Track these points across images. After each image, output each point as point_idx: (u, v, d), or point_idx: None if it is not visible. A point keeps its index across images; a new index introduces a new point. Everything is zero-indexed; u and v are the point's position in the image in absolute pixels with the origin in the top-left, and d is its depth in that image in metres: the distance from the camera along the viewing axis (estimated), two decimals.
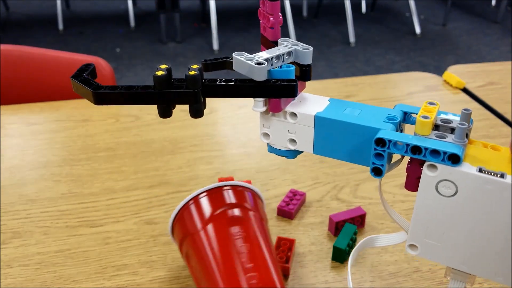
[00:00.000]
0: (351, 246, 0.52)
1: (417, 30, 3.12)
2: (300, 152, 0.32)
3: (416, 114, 0.29)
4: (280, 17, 0.30)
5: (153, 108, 0.81)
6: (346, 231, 0.52)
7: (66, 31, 3.09)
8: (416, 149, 0.25)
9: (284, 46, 0.30)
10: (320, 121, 0.29)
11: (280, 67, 0.29)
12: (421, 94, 0.87)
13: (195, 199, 0.46)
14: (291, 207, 0.57)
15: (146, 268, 0.50)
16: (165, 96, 0.28)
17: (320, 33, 3.16)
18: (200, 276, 0.42)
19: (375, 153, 0.27)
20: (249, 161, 0.67)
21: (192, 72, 0.28)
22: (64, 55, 0.97)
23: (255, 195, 0.48)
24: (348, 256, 0.51)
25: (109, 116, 0.79)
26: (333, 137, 0.29)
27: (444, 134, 0.26)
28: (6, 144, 0.71)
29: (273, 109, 0.29)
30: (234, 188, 0.47)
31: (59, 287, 0.48)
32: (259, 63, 0.27)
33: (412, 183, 0.27)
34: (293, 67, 0.29)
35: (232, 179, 0.61)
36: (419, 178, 0.26)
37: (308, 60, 0.29)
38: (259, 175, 0.65)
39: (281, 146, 0.31)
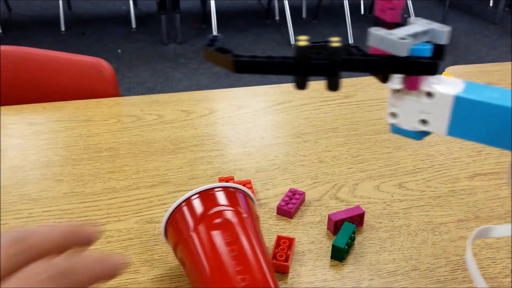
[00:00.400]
0: (349, 245, 0.52)
1: None
2: (427, 134, 0.31)
3: None
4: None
5: (154, 108, 0.81)
6: (345, 230, 0.52)
7: (68, 32, 3.10)
8: None
9: (419, 24, 0.29)
10: (460, 102, 0.28)
11: (417, 45, 0.28)
12: None
13: (187, 201, 0.46)
14: (290, 206, 0.57)
15: (147, 266, 0.51)
16: (306, 67, 0.27)
17: (319, 34, 3.16)
18: (194, 280, 0.42)
19: None
20: (249, 160, 0.68)
21: (335, 44, 0.27)
22: (65, 56, 0.98)
23: (246, 196, 0.49)
24: (347, 254, 0.52)
25: (111, 116, 0.79)
26: (472, 118, 0.28)
27: None
28: (7, 144, 0.72)
29: (411, 86, 0.29)
30: (225, 189, 0.47)
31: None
32: (402, 38, 0.27)
33: None
34: (430, 46, 0.28)
35: (232, 179, 0.62)
36: None
37: (444, 39, 0.29)
38: (259, 174, 0.65)
39: (410, 127, 0.30)
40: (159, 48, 2.91)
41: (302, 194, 0.59)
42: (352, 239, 0.53)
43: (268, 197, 0.61)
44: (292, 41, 2.97)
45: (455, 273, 0.50)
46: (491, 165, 0.68)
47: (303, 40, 0.27)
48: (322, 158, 0.69)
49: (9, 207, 0.59)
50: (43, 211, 0.59)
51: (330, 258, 0.52)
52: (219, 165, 0.67)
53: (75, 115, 0.80)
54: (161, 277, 0.50)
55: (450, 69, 0.96)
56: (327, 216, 0.57)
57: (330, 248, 0.53)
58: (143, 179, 0.64)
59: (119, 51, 2.84)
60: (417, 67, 0.27)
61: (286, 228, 0.56)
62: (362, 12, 3.50)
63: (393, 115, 0.31)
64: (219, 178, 0.62)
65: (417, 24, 0.30)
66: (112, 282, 0.49)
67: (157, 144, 0.72)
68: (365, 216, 0.57)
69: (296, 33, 3.03)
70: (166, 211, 0.59)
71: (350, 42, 2.97)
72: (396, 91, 0.30)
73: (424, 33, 0.29)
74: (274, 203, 0.60)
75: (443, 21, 3.32)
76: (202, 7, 3.31)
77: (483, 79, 0.93)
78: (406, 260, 0.52)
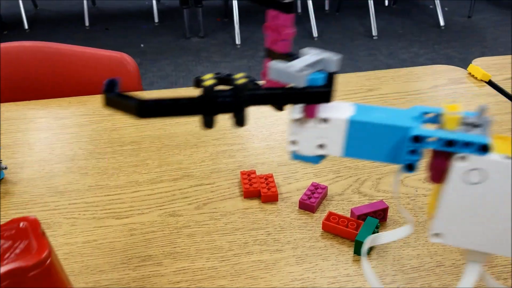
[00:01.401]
0: None
1: (441, 22, 3.06)
2: (324, 157, 0.33)
3: (434, 113, 0.31)
4: (294, 29, 0.32)
5: None
6: (368, 224, 0.52)
7: (92, 28, 3.14)
8: (451, 143, 0.27)
9: (311, 55, 0.31)
10: (353, 125, 0.30)
11: (311, 75, 0.30)
12: (445, 87, 0.85)
13: None
14: (312, 201, 0.57)
15: (170, 259, 0.51)
16: (211, 107, 0.28)
17: (342, 26, 3.13)
18: None
19: (409, 150, 0.29)
20: (271, 154, 0.68)
21: (240, 81, 0.29)
22: (90, 51, 0.99)
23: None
24: (370, 250, 0.51)
25: None
26: (365, 139, 0.30)
27: (469, 128, 0.28)
28: (35, 137, 0.74)
29: (309, 114, 0.31)
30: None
31: (86, 277, 0.50)
32: (300, 70, 0.28)
33: (438, 176, 0.29)
34: (324, 74, 0.30)
35: (254, 173, 0.62)
36: (444, 171, 0.28)
37: (334, 67, 0.31)
38: (281, 168, 0.65)
39: (309, 152, 0.32)
40: (182, 42, 2.93)
41: (325, 188, 0.59)
42: (375, 234, 0.52)
43: (290, 191, 0.61)
44: (315, 34, 2.94)
45: None
46: None
47: (208, 79, 0.28)
48: None
49: (37, 199, 0.61)
50: (69, 204, 0.60)
51: (353, 253, 0.51)
52: (241, 159, 0.67)
53: (99, 109, 0.81)
54: (183, 269, 0.50)
55: (477, 61, 0.93)
56: (350, 211, 0.56)
57: (353, 243, 0.52)
58: (166, 173, 0.65)
59: (142, 45, 2.87)
60: (314, 96, 0.29)
61: (308, 223, 0.56)
62: (387, 3, 3.44)
63: (294, 142, 0.32)
64: (241, 171, 0.62)
65: (310, 54, 0.31)
66: (135, 274, 0.49)
67: (180, 138, 0.73)
68: (388, 211, 0.56)
69: (319, 26, 3.00)
70: (189, 204, 0.59)
71: (374, 34, 2.93)
72: (296, 120, 0.32)
73: (317, 62, 0.31)
74: (296, 197, 0.59)
75: (470, 12, 3.25)
76: (224, 1, 3.31)
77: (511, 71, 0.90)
78: (431, 255, 0.51)
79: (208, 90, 0.28)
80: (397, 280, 0.48)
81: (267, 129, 0.74)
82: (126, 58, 0.98)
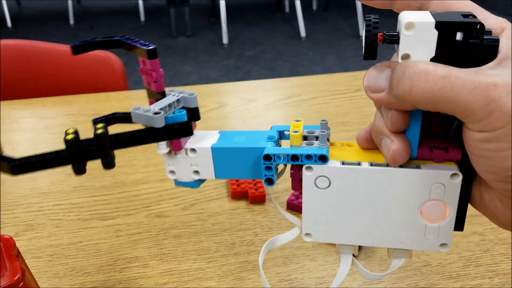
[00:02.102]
0: None
1: None
2: (204, 180, 0.37)
3: (288, 131, 0.36)
4: (161, 71, 0.35)
5: None
6: None
7: (77, 26, 3.11)
8: (294, 157, 0.32)
9: (173, 95, 0.35)
10: (216, 151, 0.35)
11: (174, 113, 0.34)
12: None
13: None
14: (300, 201, 0.57)
15: (156, 260, 0.51)
16: (78, 156, 0.31)
17: (330, 26, 3.14)
18: None
19: (265, 166, 0.33)
20: None
21: (100, 131, 0.32)
22: None
23: None
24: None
25: (120, 110, 0.79)
26: (229, 162, 0.35)
27: (311, 142, 0.34)
28: (19, 137, 0.72)
29: (175, 148, 0.34)
30: None
31: (71, 279, 0.49)
32: (156, 113, 0.32)
33: (297, 185, 0.34)
34: (184, 111, 0.34)
35: None
36: (301, 179, 0.33)
37: (194, 103, 0.35)
38: None
39: (187, 178, 0.36)
40: (168, 42, 2.91)
41: None
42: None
43: (278, 191, 0.61)
44: (303, 34, 2.95)
45: (467, 269, 0.49)
46: None
47: (70, 134, 0.31)
48: None
49: (20, 200, 0.60)
50: (53, 205, 0.59)
51: None
52: None
53: (84, 109, 0.80)
54: (170, 271, 0.50)
55: None
56: None
57: None
58: (153, 173, 0.64)
59: None
60: (176, 132, 0.33)
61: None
62: None
63: (172, 172, 0.36)
64: None
65: (171, 95, 0.35)
66: (121, 276, 0.49)
67: None
68: None
69: (307, 26, 3.01)
70: (175, 205, 0.59)
71: (361, 34, 2.95)
72: (168, 152, 0.35)
73: (178, 101, 0.35)
74: (284, 198, 0.59)
75: None
76: (212, 0, 3.30)
77: None
78: (418, 255, 0.51)
79: (70, 143, 0.30)
80: (384, 279, 0.48)
81: (255, 129, 0.74)
82: (111, 57, 0.97)
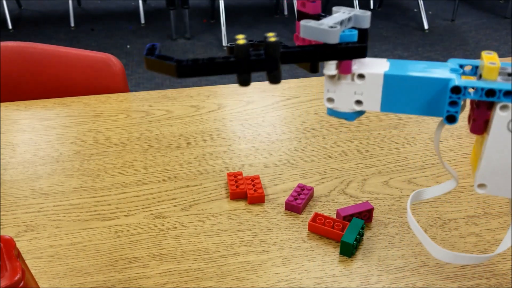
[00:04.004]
0: (358, 241, 0.52)
1: (425, 25, 3.10)
2: (361, 113, 0.33)
3: (471, 65, 0.31)
4: None
5: (163, 104, 0.82)
6: (354, 225, 0.52)
7: (78, 28, 3.11)
8: (490, 93, 0.27)
9: (343, 12, 0.31)
10: (389, 79, 0.30)
11: (343, 31, 0.30)
12: None
13: None
14: (299, 202, 0.57)
15: (156, 261, 0.51)
16: (246, 65, 0.29)
17: None
18: None
19: (450, 101, 0.29)
20: (257, 156, 0.68)
21: (273, 39, 0.29)
22: (75, 51, 0.98)
23: None
24: (356, 250, 0.52)
25: (120, 112, 0.80)
26: (402, 93, 0.30)
27: (508, 78, 0.28)
28: (19, 139, 0.73)
29: (344, 71, 0.31)
30: None
31: (71, 279, 0.49)
32: (332, 27, 0.28)
33: (480, 127, 0.29)
34: (355, 31, 0.30)
35: (240, 174, 0.62)
36: (486, 121, 0.29)
37: (367, 24, 0.31)
38: (267, 170, 0.65)
39: (346, 108, 0.32)
40: (168, 44, 2.91)
41: (311, 189, 0.59)
42: (361, 234, 0.53)
43: (277, 192, 0.61)
44: None
45: (464, 269, 0.50)
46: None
47: (241, 39, 0.29)
48: (330, 154, 0.69)
49: (21, 201, 0.60)
50: (54, 206, 0.59)
51: (339, 253, 0.52)
52: (228, 161, 0.67)
53: (84, 111, 0.80)
54: (170, 271, 0.50)
55: None
56: (336, 212, 0.56)
57: (339, 243, 0.52)
58: (152, 174, 0.65)
59: (128, 46, 2.85)
60: (349, 52, 0.29)
61: (294, 224, 0.56)
62: (372, 6, 3.47)
63: (330, 100, 0.33)
64: (227, 173, 0.62)
65: (341, 12, 0.31)
66: (121, 277, 0.49)
67: (166, 139, 0.72)
68: (374, 211, 0.57)
69: None
70: (175, 205, 0.59)
71: None
72: (331, 77, 0.32)
73: (349, 19, 0.31)
74: (283, 199, 0.60)
75: (453, 15, 3.29)
76: (211, 2, 3.31)
77: None
78: (415, 256, 0.52)
79: (241, 48, 0.28)
80: (382, 280, 0.49)
81: (254, 131, 0.74)
82: (111, 59, 0.97)
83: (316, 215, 0.55)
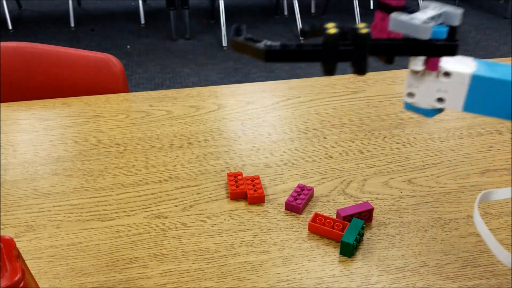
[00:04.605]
0: (358, 241, 0.52)
1: None
2: (440, 111, 0.32)
3: None
4: None
5: (163, 104, 0.82)
6: (354, 225, 0.52)
7: (78, 28, 3.11)
8: None
9: (433, 8, 0.31)
10: (477, 80, 0.30)
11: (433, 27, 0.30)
12: None
13: None
14: (299, 202, 0.57)
15: (156, 261, 0.51)
16: (335, 54, 0.29)
17: None
18: None
19: None
20: (257, 156, 0.68)
21: (365, 30, 0.28)
22: (75, 52, 0.98)
23: None
24: (356, 250, 0.52)
25: (120, 112, 0.80)
26: (488, 95, 0.30)
27: None
28: (19, 139, 0.73)
29: (431, 67, 0.30)
30: None
31: (71, 280, 0.49)
32: (425, 22, 0.28)
33: None
34: (446, 28, 0.30)
35: (240, 174, 0.62)
36: None
37: (456, 21, 0.30)
38: (267, 170, 0.65)
39: (426, 105, 0.32)
40: (168, 44, 2.92)
41: (311, 189, 0.59)
42: (361, 235, 0.53)
43: (277, 192, 0.61)
44: (301, 37, 2.96)
45: (464, 269, 0.50)
46: (501, 161, 0.67)
47: (332, 28, 0.28)
48: (330, 154, 0.69)
49: (20, 201, 0.60)
50: (54, 206, 0.59)
51: (339, 254, 0.52)
52: (228, 161, 0.67)
53: (84, 111, 0.80)
54: (170, 271, 0.50)
55: None
56: (336, 212, 0.56)
57: (339, 244, 0.52)
58: (152, 175, 0.65)
59: (128, 47, 2.85)
60: (440, 49, 0.28)
61: (294, 224, 0.56)
62: (372, 7, 3.47)
63: (411, 94, 0.32)
64: (227, 173, 0.62)
65: (431, 8, 0.31)
66: (121, 277, 0.49)
67: (166, 139, 0.72)
68: (374, 212, 0.57)
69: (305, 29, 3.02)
70: (175, 206, 0.59)
71: None
72: (415, 72, 0.31)
73: (439, 16, 0.30)
74: (283, 199, 0.60)
75: None
76: (211, 3, 3.31)
77: None
78: (415, 256, 0.52)
79: (331, 38, 0.28)
80: (382, 280, 0.49)
81: (254, 131, 0.74)
82: (111, 59, 0.97)
83: (316, 215, 0.55)
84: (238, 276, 0.49)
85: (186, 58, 2.75)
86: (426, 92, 0.32)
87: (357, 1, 2.94)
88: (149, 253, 0.52)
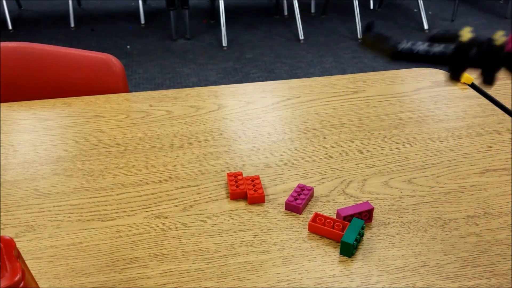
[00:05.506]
0: (358, 241, 0.52)
1: (425, 25, 3.10)
2: None
3: None
4: None
5: (163, 104, 0.82)
6: (354, 225, 0.52)
7: (78, 29, 3.11)
8: None
9: None
10: None
11: None
12: (429, 90, 0.87)
13: None
14: (299, 202, 0.57)
15: (156, 261, 0.51)
16: (464, 60, 0.28)
17: (328, 29, 3.15)
18: None
19: None
20: (257, 156, 0.68)
21: (499, 42, 0.28)
22: (75, 52, 0.98)
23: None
24: (356, 250, 0.52)
25: (120, 112, 0.80)
26: None
27: None
28: (19, 139, 0.73)
29: None
30: None
31: (71, 280, 0.49)
32: None
33: None
34: None
35: (240, 174, 0.62)
36: None
37: None
38: (267, 170, 0.65)
39: None
40: (168, 44, 2.91)
41: (311, 189, 0.59)
42: (361, 235, 0.53)
43: (277, 192, 0.61)
44: (301, 37, 2.95)
45: (464, 269, 0.50)
46: (501, 161, 0.67)
47: (467, 33, 0.28)
48: (330, 154, 0.69)
49: (20, 201, 0.60)
50: (54, 206, 0.59)
51: (339, 254, 0.52)
52: (228, 161, 0.67)
53: (84, 111, 0.80)
54: (170, 272, 0.50)
55: None
56: (336, 212, 0.56)
57: (339, 244, 0.52)
58: (152, 175, 0.65)
59: (128, 47, 2.85)
60: None
61: (294, 224, 0.56)
62: (372, 7, 3.47)
63: None
64: (227, 173, 0.62)
65: None
66: (121, 277, 0.49)
67: (166, 139, 0.72)
68: (374, 212, 0.57)
69: (305, 29, 3.02)
70: (175, 206, 0.59)
71: (359, 36, 2.95)
72: None
73: None
74: (283, 199, 0.60)
75: (453, 16, 3.29)
76: (211, 3, 3.31)
77: None
78: (415, 256, 0.52)
79: (465, 46, 0.28)
80: (382, 280, 0.49)
81: (254, 131, 0.74)
82: (111, 59, 0.97)
83: (316, 215, 0.55)
84: (238, 276, 0.49)
85: (186, 58, 2.75)
86: None
87: (357, 1, 2.94)
88: (149, 253, 0.52)
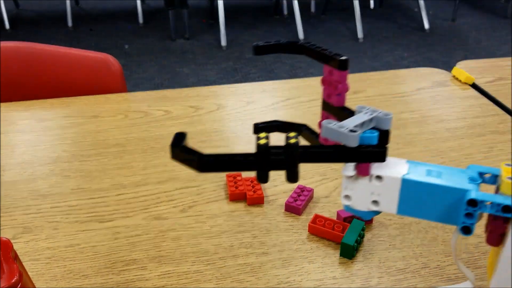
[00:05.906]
0: (359, 242, 0.52)
1: (426, 25, 3.10)
2: (378, 213, 0.33)
3: (491, 174, 0.31)
4: (347, 84, 0.33)
5: (162, 104, 0.81)
6: (354, 227, 0.52)
7: (76, 28, 3.11)
8: (507, 209, 0.28)
9: (365, 113, 0.32)
10: (407, 184, 0.30)
11: (364, 133, 0.31)
12: (429, 90, 0.86)
13: None
14: (298, 203, 0.57)
15: (154, 263, 0.51)
16: (266, 164, 0.30)
17: (328, 29, 3.15)
18: None
19: (465, 213, 0.29)
20: None
21: (293, 140, 0.30)
22: (74, 51, 0.98)
23: None
24: (356, 252, 0.51)
25: (119, 112, 0.79)
26: (419, 198, 0.30)
27: None
28: (17, 139, 0.72)
29: (362, 172, 0.31)
30: None
31: (69, 281, 0.49)
32: (352, 131, 0.29)
33: (496, 239, 0.30)
34: (376, 133, 0.30)
35: (240, 175, 0.61)
36: (502, 234, 0.29)
37: (388, 125, 0.31)
38: None
39: (363, 207, 0.33)
40: (167, 44, 2.91)
41: (311, 190, 0.59)
42: (362, 236, 0.52)
43: (276, 193, 0.61)
44: (301, 36, 2.95)
45: None
46: (502, 161, 0.67)
47: (263, 138, 0.29)
48: None
49: (18, 202, 0.59)
50: (51, 207, 0.59)
51: (339, 255, 0.51)
52: None
53: (83, 111, 0.80)
54: (168, 273, 0.50)
55: (461, 64, 0.95)
56: (336, 213, 0.56)
57: (339, 245, 0.52)
58: (151, 175, 0.64)
59: (127, 47, 2.84)
60: (368, 156, 0.29)
61: (294, 225, 0.55)
62: (372, 6, 3.47)
63: (347, 197, 0.33)
64: (226, 174, 0.62)
65: (363, 113, 0.32)
66: (119, 279, 0.49)
67: (165, 140, 0.72)
68: None
69: (305, 28, 3.02)
70: (174, 207, 0.58)
71: (359, 36, 2.95)
72: (349, 176, 0.32)
73: (370, 120, 0.31)
74: (282, 200, 0.59)
75: (453, 15, 3.29)
76: (210, 2, 3.31)
77: (494, 74, 0.91)
78: (416, 257, 0.51)
79: (262, 148, 0.29)
80: (383, 282, 0.48)
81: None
82: (110, 59, 0.97)
83: (316, 216, 0.54)
84: (237, 278, 0.49)
85: (185, 58, 2.75)
86: (361, 195, 0.32)
87: (357, 1, 2.94)
88: (148, 255, 0.52)
